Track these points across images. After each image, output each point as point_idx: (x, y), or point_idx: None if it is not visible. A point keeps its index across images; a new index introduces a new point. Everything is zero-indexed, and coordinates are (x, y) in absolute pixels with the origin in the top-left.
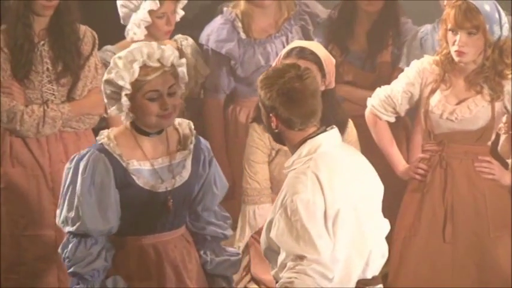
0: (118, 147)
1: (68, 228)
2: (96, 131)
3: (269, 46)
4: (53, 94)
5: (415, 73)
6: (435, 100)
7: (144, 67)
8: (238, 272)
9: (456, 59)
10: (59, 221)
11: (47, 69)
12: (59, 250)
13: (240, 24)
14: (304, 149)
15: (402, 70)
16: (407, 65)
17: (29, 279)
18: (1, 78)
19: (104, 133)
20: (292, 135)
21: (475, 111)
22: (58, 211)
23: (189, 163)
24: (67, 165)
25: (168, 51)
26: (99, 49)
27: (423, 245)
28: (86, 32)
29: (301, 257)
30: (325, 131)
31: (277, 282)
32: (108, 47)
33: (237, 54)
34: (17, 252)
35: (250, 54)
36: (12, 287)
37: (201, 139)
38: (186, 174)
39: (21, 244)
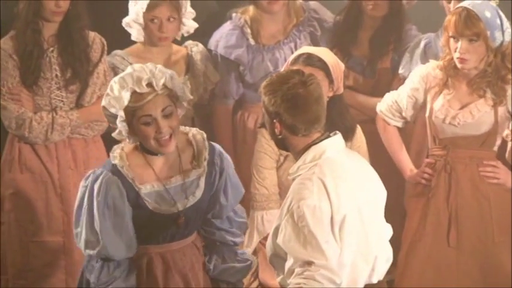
0: (131, 168)
1: (89, 252)
2: (104, 137)
3: (278, 52)
4: (62, 101)
5: (419, 78)
6: (438, 105)
7: (134, 93)
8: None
9: (459, 65)
10: (78, 243)
11: (56, 75)
12: (83, 269)
13: (248, 30)
14: (309, 155)
15: (403, 77)
16: (409, 71)
17: (37, 285)
18: (10, 85)
19: (117, 151)
20: (296, 141)
21: (478, 116)
22: (76, 232)
23: (202, 181)
24: (82, 183)
25: (159, 73)
26: (108, 54)
27: (428, 250)
28: (95, 39)
29: (309, 263)
30: (328, 136)
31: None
32: (117, 51)
33: (245, 60)
34: (25, 258)
35: (259, 60)
36: None
37: (215, 148)
38: (199, 193)
39: (29, 250)
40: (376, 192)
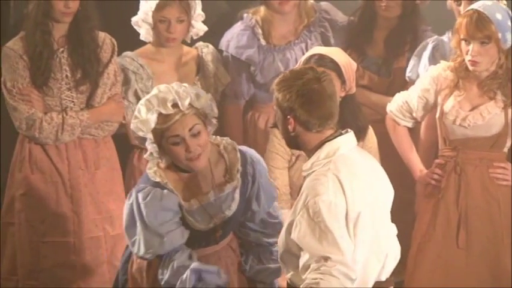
0: (172, 185)
1: (149, 253)
2: (115, 137)
3: (289, 53)
4: (72, 101)
5: (429, 79)
6: (449, 106)
7: (160, 115)
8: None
9: (470, 68)
10: (138, 251)
11: (66, 76)
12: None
13: (260, 31)
14: (323, 151)
15: (410, 80)
16: (416, 74)
17: (48, 285)
18: (20, 86)
19: (153, 168)
20: (309, 138)
21: (488, 118)
22: (131, 242)
23: (237, 193)
24: (127, 201)
25: (184, 93)
26: (118, 54)
27: (437, 251)
28: (105, 39)
29: (325, 258)
30: (341, 134)
31: (290, 285)
32: (128, 53)
33: (256, 60)
34: (35, 258)
35: (270, 61)
36: None
37: (247, 157)
38: (234, 206)
39: (40, 250)
40: (386, 191)
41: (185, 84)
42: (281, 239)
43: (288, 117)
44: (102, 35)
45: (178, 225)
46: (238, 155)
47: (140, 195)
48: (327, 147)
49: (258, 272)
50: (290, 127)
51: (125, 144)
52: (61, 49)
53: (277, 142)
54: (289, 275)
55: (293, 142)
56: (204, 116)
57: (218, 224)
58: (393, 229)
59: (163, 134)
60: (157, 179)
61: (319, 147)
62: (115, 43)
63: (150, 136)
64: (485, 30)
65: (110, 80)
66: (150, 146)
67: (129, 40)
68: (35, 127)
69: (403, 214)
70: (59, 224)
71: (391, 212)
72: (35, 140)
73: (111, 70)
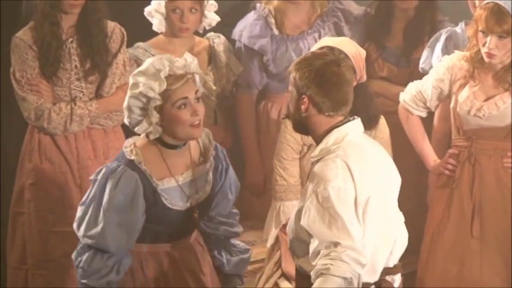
0: (147, 164)
1: (87, 241)
2: (125, 127)
3: (302, 42)
4: (82, 91)
5: (444, 69)
6: (463, 96)
7: (169, 76)
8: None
9: (486, 60)
10: (78, 232)
11: (75, 66)
12: (73, 256)
13: (273, 21)
14: (331, 138)
15: (423, 71)
16: (429, 66)
17: (57, 275)
18: (29, 76)
19: (131, 146)
20: (320, 121)
21: (503, 108)
22: (77, 222)
23: (210, 176)
24: (93, 176)
25: (189, 58)
26: (130, 46)
27: (452, 241)
28: (115, 29)
29: (335, 244)
30: (349, 121)
31: (299, 271)
32: (140, 44)
33: (269, 50)
34: (44, 248)
35: (283, 51)
36: (40, 283)
37: (218, 147)
38: (208, 188)
39: (49, 240)
40: (393, 178)
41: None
42: (290, 225)
43: (303, 96)
44: (111, 25)
45: (130, 227)
46: (213, 141)
47: (109, 173)
48: (335, 134)
49: (235, 265)
50: (303, 107)
51: (136, 134)
52: (70, 39)
53: (288, 133)
54: (299, 262)
55: (302, 125)
56: (198, 85)
57: (194, 205)
58: (400, 216)
59: (169, 97)
60: (133, 157)
61: (327, 134)
62: (124, 33)
63: (158, 97)
64: (505, 24)
65: (119, 69)
66: (153, 112)
67: (140, 31)
68: (44, 117)
69: (416, 204)
70: (68, 214)
71: (405, 201)
72: (43, 131)
73: (120, 60)
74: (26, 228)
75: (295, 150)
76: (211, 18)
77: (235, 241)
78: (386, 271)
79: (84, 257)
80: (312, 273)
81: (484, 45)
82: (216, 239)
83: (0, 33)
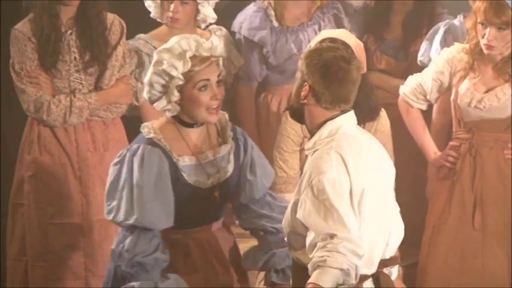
0: (166, 141)
1: (129, 223)
2: (128, 120)
3: (301, 34)
4: (81, 83)
5: (444, 61)
6: (464, 88)
7: (193, 57)
8: None
9: (485, 51)
10: (114, 217)
11: (75, 58)
12: (113, 247)
13: (272, 12)
14: (325, 130)
15: (422, 64)
16: (428, 58)
17: (56, 267)
18: (28, 68)
19: (148, 126)
20: (316, 112)
21: (503, 99)
22: (110, 208)
23: (232, 156)
24: (115, 161)
25: (215, 41)
26: (131, 37)
27: (453, 233)
28: (114, 21)
29: (331, 236)
30: (343, 113)
31: (297, 263)
32: (141, 35)
33: (269, 42)
34: (44, 240)
35: (283, 42)
36: (39, 275)
37: (238, 129)
38: (230, 168)
39: (48, 232)
40: (387, 170)
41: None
42: (286, 218)
43: (305, 83)
44: (111, 17)
45: (165, 201)
46: (229, 122)
47: (132, 154)
48: (329, 126)
49: (267, 261)
50: (303, 94)
51: (134, 127)
52: (69, 31)
53: (289, 125)
54: (296, 254)
55: (299, 112)
56: (221, 69)
57: (215, 184)
58: (396, 208)
59: (191, 78)
60: (151, 135)
61: (321, 126)
62: (124, 25)
63: (181, 77)
64: (504, 16)
65: (119, 62)
66: (174, 91)
67: (141, 22)
68: (43, 110)
69: (415, 197)
70: (68, 206)
71: (404, 194)
72: (43, 123)
73: (120, 52)
74: (26, 220)
75: (296, 143)
76: (206, 14)
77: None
78: (384, 263)
79: (128, 240)
80: (309, 266)
81: (483, 37)
82: (255, 234)
83: (0, 25)
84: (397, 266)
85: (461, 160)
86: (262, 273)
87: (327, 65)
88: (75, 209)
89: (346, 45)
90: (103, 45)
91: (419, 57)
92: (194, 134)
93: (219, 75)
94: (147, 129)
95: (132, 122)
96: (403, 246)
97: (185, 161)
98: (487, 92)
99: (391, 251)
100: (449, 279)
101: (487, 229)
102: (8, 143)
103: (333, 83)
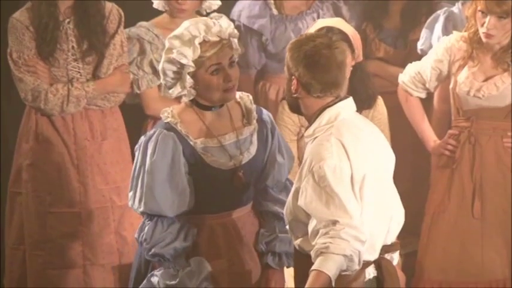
0: (184, 125)
1: (141, 210)
2: (129, 108)
3: (300, 23)
4: (79, 72)
5: (442, 50)
6: (463, 77)
7: (203, 43)
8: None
9: (484, 40)
10: (132, 204)
11: (72, 47)
12: (136, 235)
13: (272, 1)
14: (324, 117)
15: (422, 52)
16: (429, 46)
17: (55, 255)
18: (26, 57)
19: (168, 111)
20: (310, 102)
21: (502, 88)
22: (130, 195)
23: (255, 138)
24: (136, 147)
25: (224, 23)
26: (131, 25)
27: (452, 221)
28: (112, 10)
29: (333, 222)
30: (341, 100)
31: (298, 251)
32: (143, 23)
33: (268, 30)
34: (42, 228)
35: (282, 30)
36: (37, 264)
37: (263, 110)
38: (253, 149)
39: (46, 221)
40: (387, 156)
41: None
42: (288, 206)
43: (292, 77)
44: (109, 6)
45: (179, 187)
46: (254, 105)
47: (147, 140)
48: (328, 113)
49: (268, 243)
50: (293, 88)
51: (133, 116)
52: (67, 20)
53: (286, 115)
54: (297, 242)
55: (294, 105)
56: (235, 50)
57: (238, 165)
58: (396, 194)
59: (203, 64)
60: (169, 119)
61: (320, 113)
62: (122, 14)
63: (192, 64)
64: (505, 5)
65: (116, 50)
66: (186, 77)
67: (141, 10)
68: (40, 98)
69: (416, 185)
70: (66, 195)
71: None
72: (40, 112)
73: (118, 41)
74: (24, 209)
75: (293, 132)
76: (212, 1)
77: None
78: (385, 249)
79: (146, 229)
80: (312, 253)
81: (482, 25)
82: (266, 217)
83: (0, 14)
84: (398, 252)
85: (460, 148)
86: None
87: (308, 55)
88: (73, 198)
89: (343, 34)
90: (101, 34)
91: (420, 46)
92: (214, 117)
93: (231, 57)
94: (166, 114)
95: (134, 110)
96: (401, 234)
97: (204, 143)
98: (485, 80)
99: (392, 236)
100: (449, 267)
101: (487, 217)
102: (7, 131)
103: (318, 71)
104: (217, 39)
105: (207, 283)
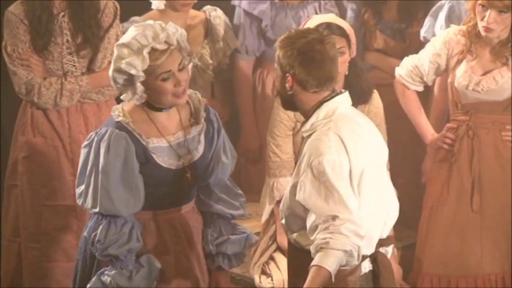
0: (135, 124)
1: (95, 210)
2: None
3: (301, 11)
4: (74, 65)
5: (441, 44)
6: (461, 71)
7: (152, 51)
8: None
9: (483, 33)
10: (83, 203)
11: (67, 40)
12: (85, 235)
13: None
14: (322, 112)
15: (425, 40)
16: (432, 34)
17: (50, 248)
18: (20, 50)
19: (118, 109)
20: (305, 98)
21: (501, 82)
22: (79, 192)
23: (203, 137)
24: (84, 144)
25: (172, 29)
26: (123, 20)
27: (451, 215)
28: (108, 3)
29: (333, 217)
30: (337, 94)
31: (293, 244)
32: (135, 18)
33: (268, 16)
34: (37, 221)
35: (282, 17)
36: (32, 256)
37: (210, 109)
38: (201, 148)
39: (41, 214)
40: (382, 149)
41: (160, 22)
42: (285, 201)
43: (287, 75)
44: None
45: (132, 186)
46: (202, 104)
47: (99, 139)
48: (325, 108)
49: (219, 245)
50: (288, 85)
51: None
52: (62, 13)
53: (281, 110)
54: (294, 236)
55: (289, 102)
56: (182, 51)
57: (187, 165)
58: (391, 187)
59: (153, 71)
60: (120, 118)
61: (317, 108)
62: (118, 7)
63: (142, 74)
64: None
65: (111, 44)
66: (137, 85)
67: (135, 5)
68: (34, 92)
69: (411, 178)
70: (61, 188)
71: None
72: (34, 105)
73: (113, 35)
74: (20, 201)
75: (288, 127)
76: None
77: (238, 226)
78: (380, 242)
79: (99, 230)
80: (312, 248)
81: (482, 19)
82: (209, 217)
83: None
84: (392, 245)
85: (458, 142)
86: (257, 257)
87: (302, 51)
88: (67, 191)
89: (342, 29)
90: (95, 28)
91: (423, 33)
92: (164, 117)
93: (180, 63)
94: (117, 112)
95: None
96: (398, 227)
97: (155, 143)
98: (484, 74)
99: (387, 230)
100: (448, 261)
101: (486, 211)
102: (5, 124)
103: (313, 67)
104: (165, 46)
105: (156, 282)
